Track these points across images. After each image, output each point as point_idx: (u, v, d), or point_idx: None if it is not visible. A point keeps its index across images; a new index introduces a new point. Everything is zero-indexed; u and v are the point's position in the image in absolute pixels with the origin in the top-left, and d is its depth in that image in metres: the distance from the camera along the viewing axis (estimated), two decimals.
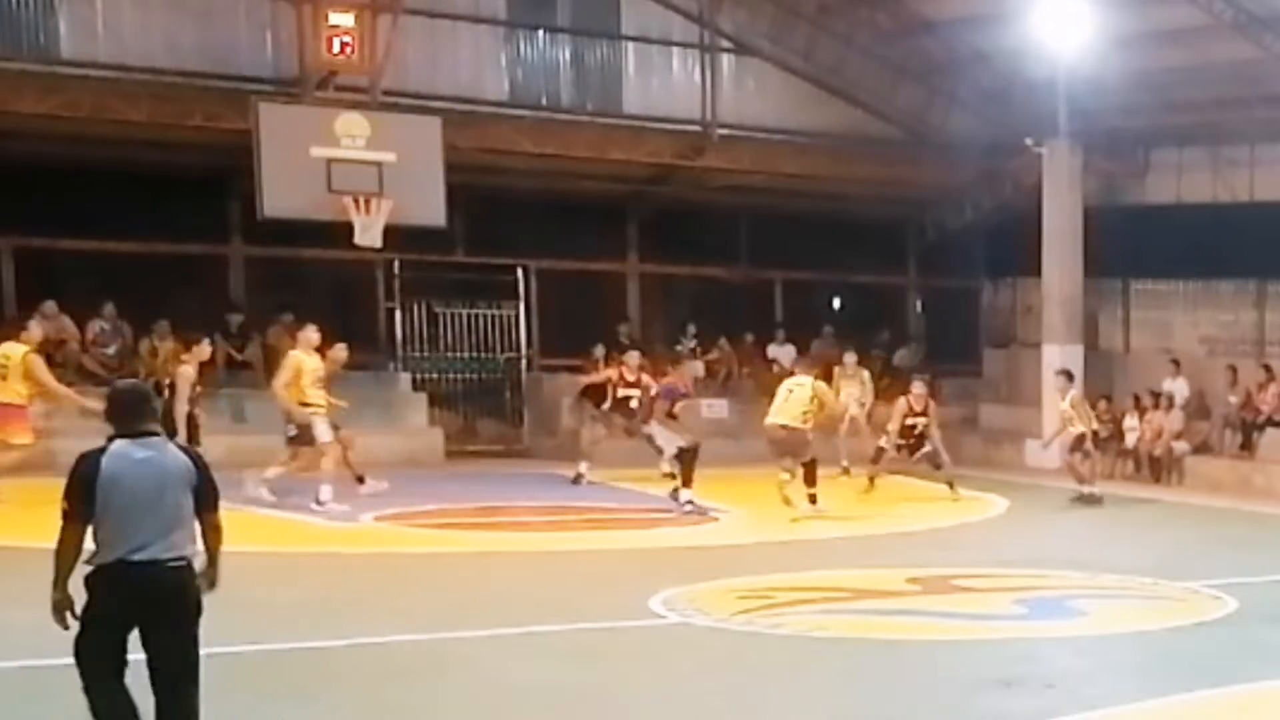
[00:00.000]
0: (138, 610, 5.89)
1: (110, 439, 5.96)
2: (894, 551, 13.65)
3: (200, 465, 6.10)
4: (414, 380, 21.69)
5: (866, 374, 20.87)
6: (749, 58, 23.14)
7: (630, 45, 22.46)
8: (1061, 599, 11.39)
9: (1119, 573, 12.51)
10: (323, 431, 14.84)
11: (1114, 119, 21.85)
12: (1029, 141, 22.30)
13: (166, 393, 14.00)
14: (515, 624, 9.67)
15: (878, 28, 22.71)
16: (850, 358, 20.92)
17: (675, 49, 22.73)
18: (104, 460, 5.86)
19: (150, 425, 6.05)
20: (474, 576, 11.89)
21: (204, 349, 14.84)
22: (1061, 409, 18.39)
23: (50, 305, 18.84)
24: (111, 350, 19.31)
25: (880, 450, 18.06)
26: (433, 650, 8.90)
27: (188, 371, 14.11)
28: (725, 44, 22.96)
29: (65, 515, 5.85)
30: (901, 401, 18.20)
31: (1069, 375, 18.71)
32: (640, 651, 9.16)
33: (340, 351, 16.02)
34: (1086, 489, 17.94)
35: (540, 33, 21.92)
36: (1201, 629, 10.21)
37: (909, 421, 17.94)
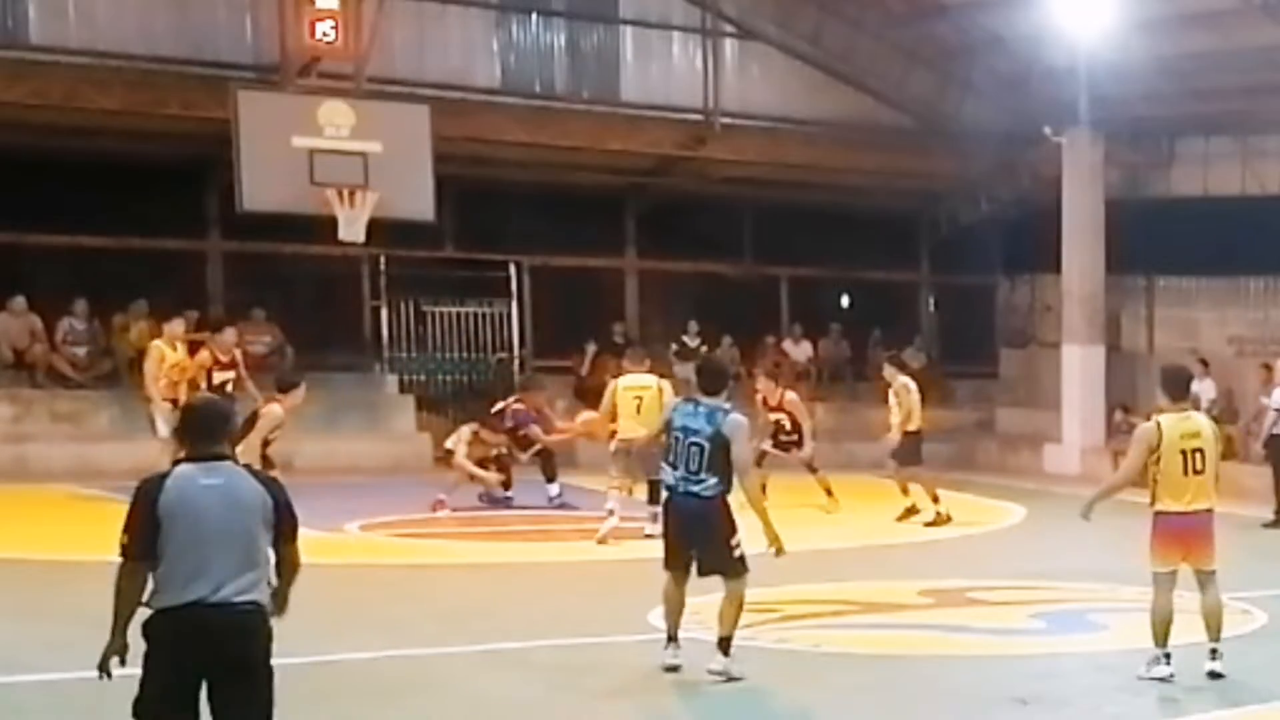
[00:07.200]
0: (206, 661, 5.30)
1: (175, 462, 5.51)
2: (907, 563, 13.68)
3: (276, 492, 5.52)
4: (401, 382, 21.71)
5: None
6: (753, 42, 23.17)
7: (628, 29, 22.50)
8: (1081, 613, 11.43)
9: (1141, 585, 12.49)
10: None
11: (1138, 107, 21.87)
12: (1048, 131, 22.32)
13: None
14: (507, 639, 9.69)
15: (889, 11, 22.73)
16: None
17: (676, 33, 22.77)
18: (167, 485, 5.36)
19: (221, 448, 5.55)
20: (464, 589, 11.91)
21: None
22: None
23: (19, 302, 18.87)
24: (82, 350, 19.30)
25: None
26: (421, 667, 8.92)
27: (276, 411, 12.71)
28: (728, 28, 22.99)
29: (123, 551, 5.34)
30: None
31: (891, 359, 16.62)
32: (638, 668, 9.15)
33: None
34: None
35: (534, 16, 21.96)
36: (1228, 644, 10.21)
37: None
